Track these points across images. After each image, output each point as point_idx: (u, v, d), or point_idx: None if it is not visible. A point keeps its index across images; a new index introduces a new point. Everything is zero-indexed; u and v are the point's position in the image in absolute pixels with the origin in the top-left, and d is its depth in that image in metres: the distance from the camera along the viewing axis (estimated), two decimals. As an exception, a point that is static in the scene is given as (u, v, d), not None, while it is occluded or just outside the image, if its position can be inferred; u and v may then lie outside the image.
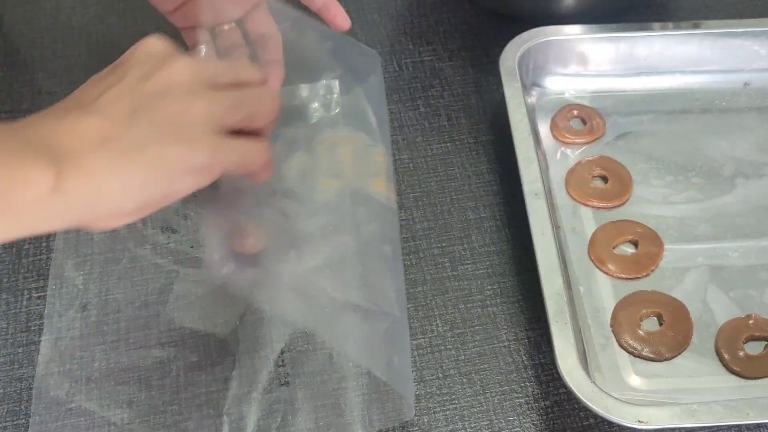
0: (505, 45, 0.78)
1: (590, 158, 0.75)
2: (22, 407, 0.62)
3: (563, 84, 0.81)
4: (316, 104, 0.73)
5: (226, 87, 0.52)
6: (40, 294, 0.68)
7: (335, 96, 0.73)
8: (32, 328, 0.66)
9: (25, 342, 0.66)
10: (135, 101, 0.48)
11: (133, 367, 0.62)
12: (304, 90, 0.74)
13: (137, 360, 0.63)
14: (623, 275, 0.68)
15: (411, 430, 0.61)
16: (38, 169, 0.44)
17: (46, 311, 0.63)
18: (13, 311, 0.67)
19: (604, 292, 0.67)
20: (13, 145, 0.44)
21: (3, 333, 0.66)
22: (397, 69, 0.84)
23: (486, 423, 0.62)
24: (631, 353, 0.63)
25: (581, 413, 0.62)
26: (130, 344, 0.63)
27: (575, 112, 0.78)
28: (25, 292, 0.68)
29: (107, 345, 0.63)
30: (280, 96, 0.57)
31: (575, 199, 0.72)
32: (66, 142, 0.45)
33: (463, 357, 0.65)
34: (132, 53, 0.51)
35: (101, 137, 0.46)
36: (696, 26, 0.80)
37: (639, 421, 0.55)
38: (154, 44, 0.51)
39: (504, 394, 0.63)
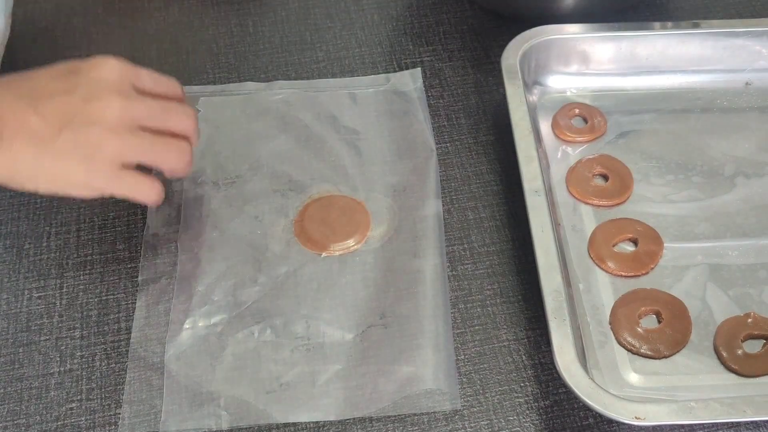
0: (505, 45, 0.78)
1: (591, 156, 0.75)
2: (23, 407, 0.63)
3: (565, 82, 0.81)
4: None
5: (150, 130, 0.61)
6: (40, 294, 0.68)
7: None
8: (32, 328, 0.66)
9: (25, 342, 0.66)
10: (71, 117, 0.59)
11: None
12: None
13: None
14: (623, 273, 0.67)
15: (411, 429, 0.61)
16: None
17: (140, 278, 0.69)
18: (13, 311, 0.67)
19: (604, 289, 0.67)
20: None
21: (3, 333, 0.66)
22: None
23: (486, 422, 0.62)
24: (629, 350, 0.63)
25: (581, 413, 0.62)
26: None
27: (576, 111, 0.78)
28: (26, 292, 0.69)
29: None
30: (190, 152, 0.64)
31: (576, 197, 0.72)
32: (9, 126, 0.57)
33: (462, 357, 0.65)
34: (90, 69, 0.61)
35: (35, 134, 0.58)
36: (698, 26, 0.80)
37: (636, 418, 0.55)
38: (111, 70, 0.61)
39: (504, 394, 0.63)
